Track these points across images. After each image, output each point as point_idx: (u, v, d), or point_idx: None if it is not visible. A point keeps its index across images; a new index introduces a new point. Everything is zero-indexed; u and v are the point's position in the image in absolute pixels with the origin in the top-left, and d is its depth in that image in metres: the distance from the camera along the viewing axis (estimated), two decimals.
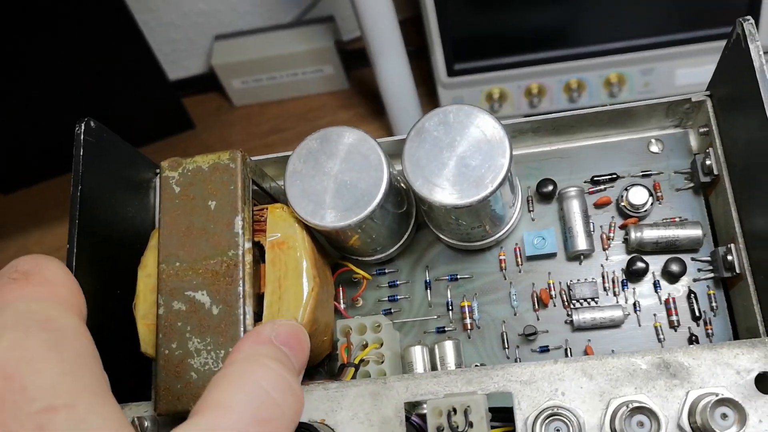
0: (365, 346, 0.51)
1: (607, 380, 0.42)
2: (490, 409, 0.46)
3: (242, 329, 0.44)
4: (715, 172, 0.51)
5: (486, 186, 0.46)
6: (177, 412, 0.44)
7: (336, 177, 0.48)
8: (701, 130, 0.54)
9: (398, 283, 0.58)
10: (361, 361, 0.51)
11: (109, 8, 1.54)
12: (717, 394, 0.39)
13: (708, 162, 0.52)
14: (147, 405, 0.47)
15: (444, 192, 0.47)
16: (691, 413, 0.40)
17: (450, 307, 0.57)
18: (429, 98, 1.58)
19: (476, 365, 0.55)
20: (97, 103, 1.62)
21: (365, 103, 1.73)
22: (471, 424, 0.40)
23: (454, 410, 0.41)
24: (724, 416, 0.39)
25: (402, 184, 0.54)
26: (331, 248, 0.56)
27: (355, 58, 1.74)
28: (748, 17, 0.44)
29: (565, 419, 0.40)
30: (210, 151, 0.48)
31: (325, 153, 0.49)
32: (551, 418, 0.41)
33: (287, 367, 0.38)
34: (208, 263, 0.45)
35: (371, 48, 1.37)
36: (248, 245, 0.46)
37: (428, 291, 0.57)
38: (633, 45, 1.37)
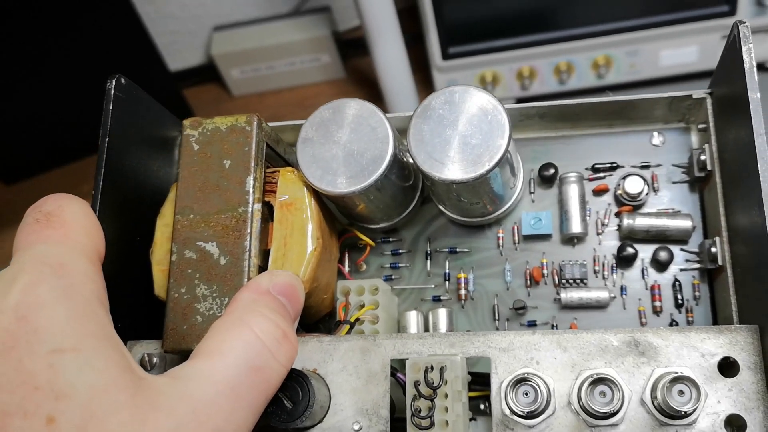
0: (362, 306, 0.55)
1: (580, 353, 0.45)
2: (473, 374, 0.50)
3: (246, 280, 0.48)
4: (709, 168, 0.54)
5: (484, 164, 0.49)
6: (182, 350, 0.48)
7: (345, 146, 0.51)
8: (700, 126, 0.56)
9: (401, 251, 0.61)
10: (357, 320, 0.54)
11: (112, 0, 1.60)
12: (678, 373, 0.42)
13: (703, 158, 0.54)
14: (157, 343, 0.51)
15: (444, 168, 0.50)
16: (654, 389, 0.43)
17: (447, 278, 0.60)
18: (424, 85, 1.62)
19: None
20: (99, 95, 1.71)
21: (361, 90, 1.77)
22: (445, 381, 0.44)
23: (431, 367, 0.44)
24: (681, 393, 0.42)
25: (409, 159, 0.57)
26: (340, 214, 0.60)
27: (351, 47, 1.79)
28: (745, 21, 0.46)
29: (534, 385, 0.43)
30: None
31: (336, 123, 0.52)
32: (522, 383, 0.44)
33: (283, 316, 0.41)
34: (220, 217, 0.49)
35: (369, 34, 1.42)
36: (258, 204, 0.49)
37: (428, 261, 0.60)
38: (618, 27, 1.44)
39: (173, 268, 0.49)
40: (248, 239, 0.48)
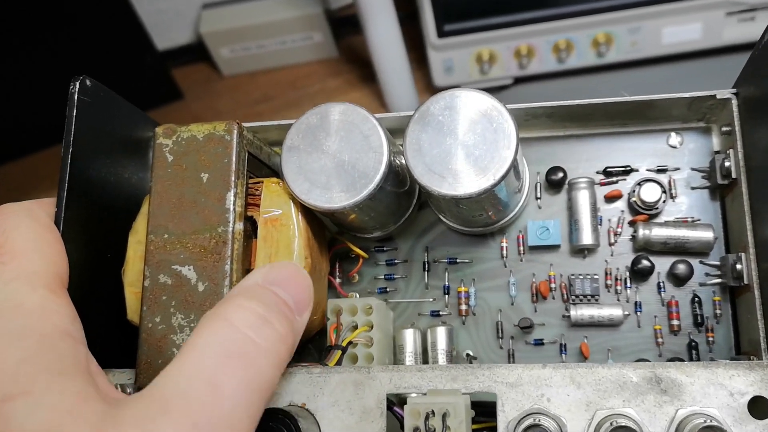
0: (355, 327, 0.50)
1: (596, 390, 0.41)
2: (477, 405, 0.45)
3: None
4: (734, 175, 0.49)
5: (488, 178, 0.44)
6: None
7: (334, 156, 0.47)
8: (724, 129, 0.51)
9: (396, 261, 0.56)
10: (350, 343, 0.50)
11: None
12: (706, 418, 0.38)
13: (727, 164, 0.49)
14: (131, 372, 0.46)
15: (444, 181, 0.45)
16: None
17: (447, 291, 0.55)
18: (419, 64, 1.56)
19: (467, 353, 0.54)
20: (85, 75, 1.65)
21: (354, 70, 1.71)
22: (448, 428, 0.39)
23: (433, 413, 0.40)
24: None
25: (404, 161, 0.52)
26: (330, 223, 0.55)
27: (344, 25, 1.73)
28: None
29: (545, 430, 0.39)
30: (198, 121, 0.47)
31: (325, 130, 0.47)
32: (532, 428, 0.39)
33: (267, 304, 0.38)
34: (197, 238, 0.44)
35: (362, 11, 1.36)
36: (239, 224, 0.45)
37: (426, 272, 0.56)
38: (619, 3, 1.38)
39: (146, 294, 0.44)
40: (228, 263, 0.44)
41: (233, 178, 0.45)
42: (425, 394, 0.42)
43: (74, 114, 0.46)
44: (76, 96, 0.46)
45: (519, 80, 1.51)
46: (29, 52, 1.61)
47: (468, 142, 0.45)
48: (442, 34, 1.41)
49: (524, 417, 0.40)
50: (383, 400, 0.43)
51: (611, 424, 0.38)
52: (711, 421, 0.37)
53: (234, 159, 0.45)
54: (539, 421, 0.39)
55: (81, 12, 1.59)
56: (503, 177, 0.44)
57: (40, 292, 0.38)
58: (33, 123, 1.71)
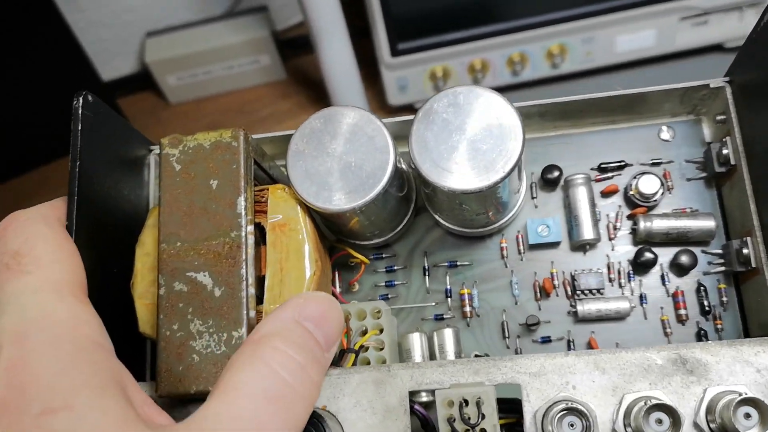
0: (365, 332, 0.50)
1: (621, 375, 0.41)
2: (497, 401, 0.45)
3: (245, 312, 0.42)
4: (732, 162, 0.50)
5: (498, 171, 0.45)
6: (178, 394, 0.42)
7: (340, 158, 0.46)
8: (718, 117, 0.52)
9: (396, 268, 0.56)
10: (361, 347, 0.49)
11: (39, 10, 1.51)
12: (739, 393, 0.38)
13: (725, 151, 0.50)
14: (146, 385, 0.45)
15: (453, 176, 0.45)
16: (710, 411, 0.39)
17: (449, 295, 0.55)
18: (370, 82, 1.56)
19: (476, 354, 0.54)
20: (31, 108, 1.56)
21: (304, 91, 1.70)
22: (483, 415, 0.39)
23: (466, 402, 0.39)
24: (747, 416, 0.38)
25: (403, 166, 0.52)
26: (328, 231, 0.55)
27: (291, 46, 1.73)
28: None
29: (578, 414, 0.39)
30: None
31: (329, 133, 0.47)
32: (565, 412, 0.39)
33: (300, 348, 0.37)
34: (210, 244, 0.44)
35: (314, 31, 1.36)
36: (251, 227, 0.44)
37: (426, 277, 0.56)
38: (572, 14, 1.40)
39: (162, 302, 0.43)
40: (244, 267, 0.43)
41: (243, 183, 0.44)
42: (449, 389, 0.42)
43: (79, 128, 0.45)
44: (80, 111, 0.46)
45: None
46: None
47: (475, 137, 0.45)
48: (395, 53, 1.41)
49: (551, 406, 0.40)
50: (405, 397, 0.42)
51: (645, 403, 0.39)
52: (746, 394, 0.38)
53: (242, 164, 0.45)
54: (570, 405, 0.39)
55: (23, 45, 1.54)
56: (513, 169, 0.45)
57: (68, 301, 0.37)
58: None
